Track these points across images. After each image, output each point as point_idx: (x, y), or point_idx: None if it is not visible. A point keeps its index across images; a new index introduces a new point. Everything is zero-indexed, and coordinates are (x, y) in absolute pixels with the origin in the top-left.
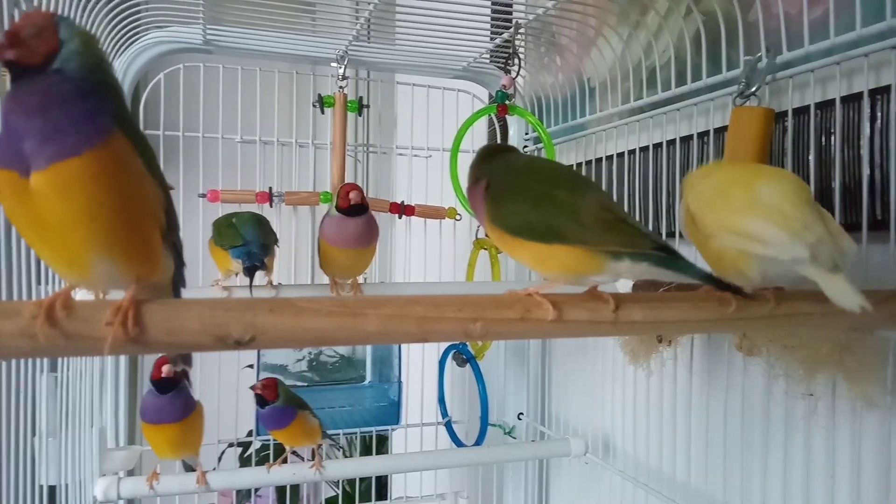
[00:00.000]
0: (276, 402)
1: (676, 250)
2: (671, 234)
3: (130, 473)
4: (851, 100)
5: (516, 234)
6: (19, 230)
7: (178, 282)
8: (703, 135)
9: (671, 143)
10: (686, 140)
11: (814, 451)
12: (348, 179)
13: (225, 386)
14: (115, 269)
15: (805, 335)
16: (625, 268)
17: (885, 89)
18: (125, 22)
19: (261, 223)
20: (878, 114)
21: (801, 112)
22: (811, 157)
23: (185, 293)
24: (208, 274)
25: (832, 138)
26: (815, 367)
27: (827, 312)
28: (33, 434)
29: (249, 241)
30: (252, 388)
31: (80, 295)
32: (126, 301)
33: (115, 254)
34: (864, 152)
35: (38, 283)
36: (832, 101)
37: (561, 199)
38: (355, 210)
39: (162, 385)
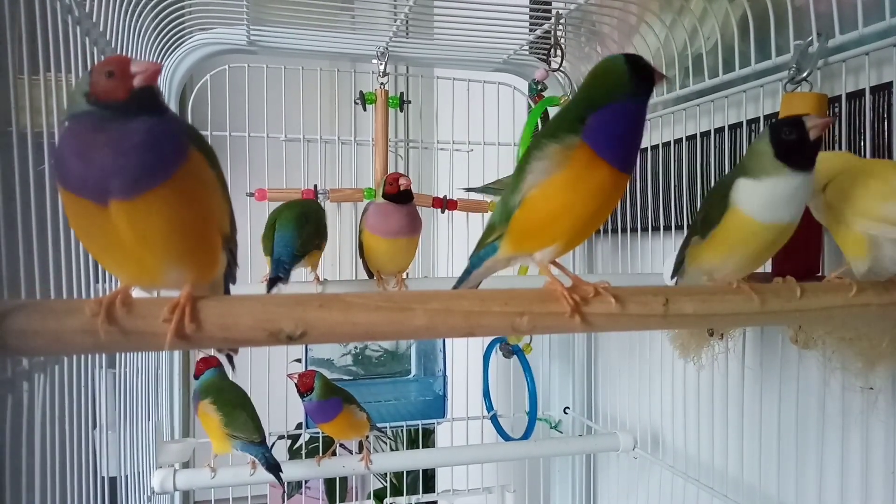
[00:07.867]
0: (312, 394)
1: None
2: None
3: (185, 466)
4: None
5: None
6: (86, 245)
7: (229, 279)
8: (752, 122)
9: (719, 131)
10: (734, 128)
11: (873, 446)
12: None
13: (274, 379)
14: (182, 276)
15: (864, 327)
16: None
17: None
18: (171, 25)
19: (306, 222)
20: None
21: (855, 96)
22: (866, 143)
23: (234, 290)
24: (257, 271)
25: (888, 123)
26: (874, 359)
27: (888, 304)
28: (94, 427)
29: (279, 252)
30: (289, 376)
31: (135, 292)
32: (183, 298)
33: (185, 263)
34: None
35: (96, 281)
36: (888, 85)
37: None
38: (402, 197)
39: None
